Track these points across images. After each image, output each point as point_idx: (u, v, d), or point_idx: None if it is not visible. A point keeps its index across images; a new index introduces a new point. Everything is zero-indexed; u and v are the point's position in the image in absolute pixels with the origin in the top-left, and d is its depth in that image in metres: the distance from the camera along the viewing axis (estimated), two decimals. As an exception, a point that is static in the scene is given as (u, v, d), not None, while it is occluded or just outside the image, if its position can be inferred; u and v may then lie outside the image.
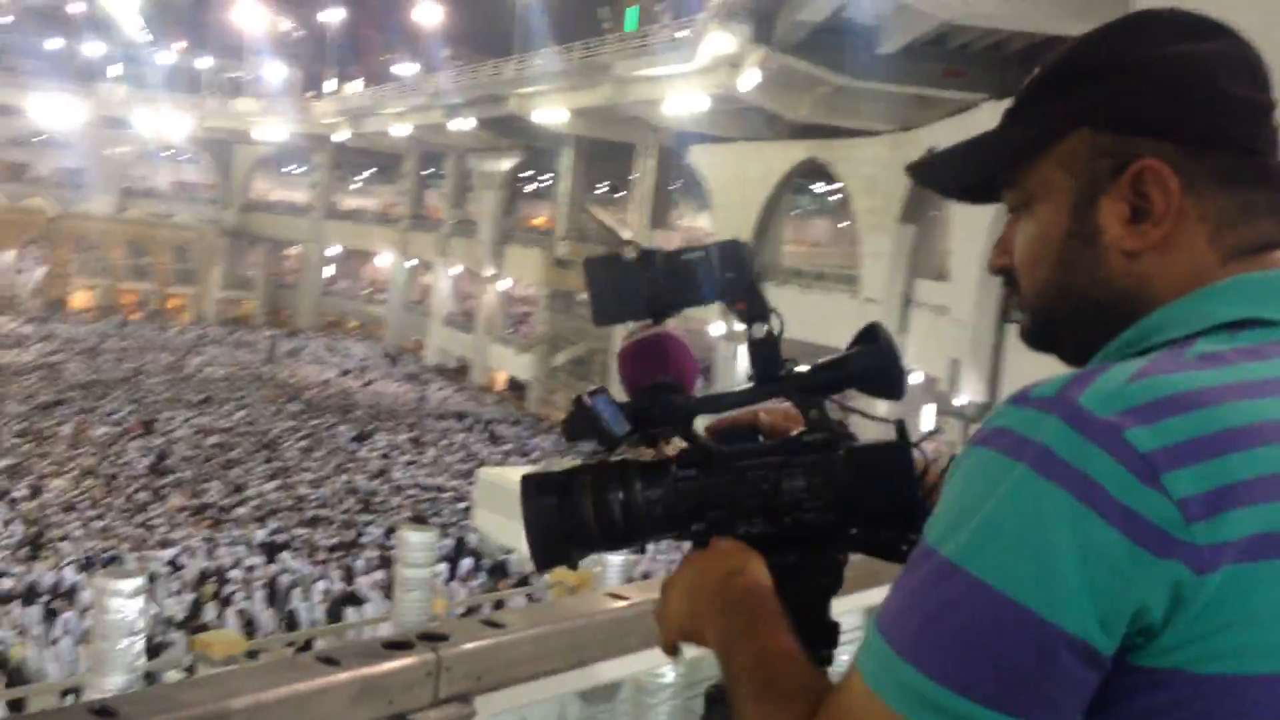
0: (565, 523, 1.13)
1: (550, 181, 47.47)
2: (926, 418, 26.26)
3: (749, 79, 25.86)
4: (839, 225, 50.96)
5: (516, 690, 2.45)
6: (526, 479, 1.15)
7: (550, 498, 1.14)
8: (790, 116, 27.95)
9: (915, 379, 25.34)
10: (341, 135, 53.29)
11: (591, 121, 37.47)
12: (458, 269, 48.60)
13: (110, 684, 9.43)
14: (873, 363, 1.16)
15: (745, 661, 1.01)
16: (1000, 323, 21.04)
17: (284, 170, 62.66)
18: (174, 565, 19.94)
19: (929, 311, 23.93)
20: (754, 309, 1.16)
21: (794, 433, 1.16)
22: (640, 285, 1.15)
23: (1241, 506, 0.80)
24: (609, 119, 36.43)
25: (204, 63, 59.14)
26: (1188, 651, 0.81)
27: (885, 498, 1.11)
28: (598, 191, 49.53)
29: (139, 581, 9.00)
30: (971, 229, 21.41)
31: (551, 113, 37.42)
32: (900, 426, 1.14)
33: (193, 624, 16.81)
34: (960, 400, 21.21)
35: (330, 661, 2.16)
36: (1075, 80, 1.00)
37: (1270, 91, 1.00)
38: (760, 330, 1.17)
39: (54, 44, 55.16)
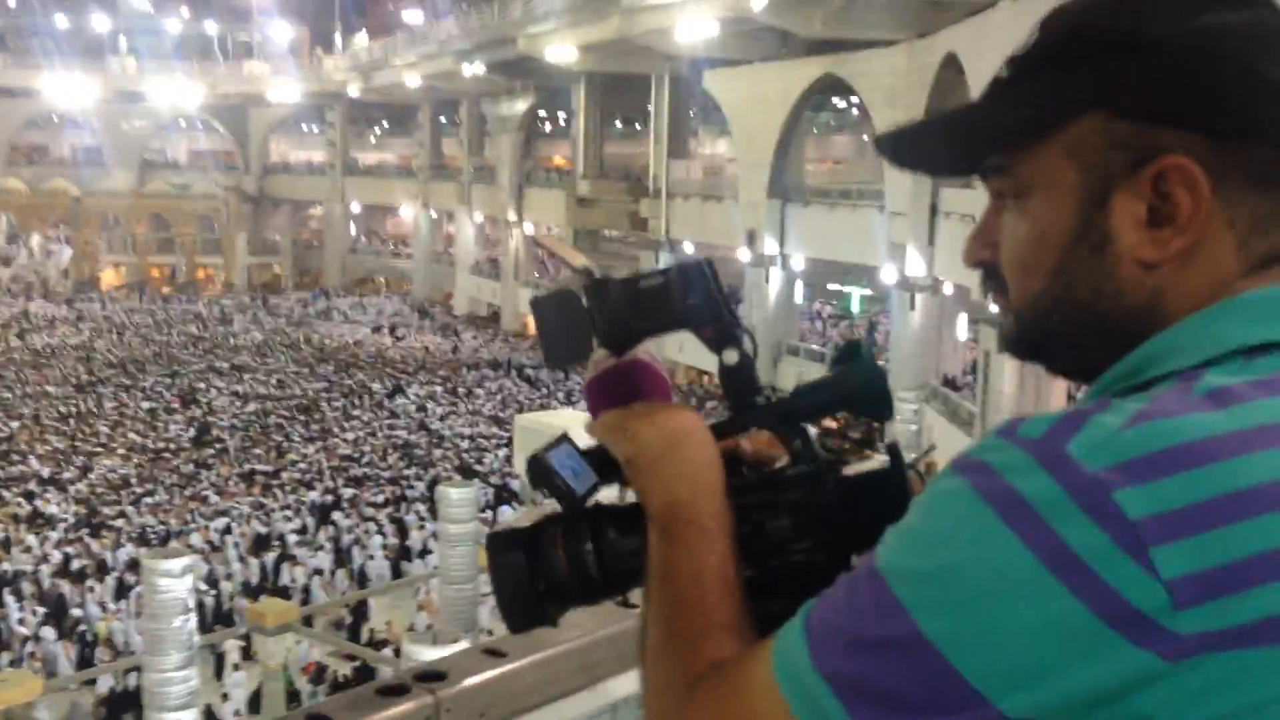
0: (538, 580, 1.04)
1: (566, 121, 47.00)
2: (960, 327, 25.97)
3: (758, -2, 25.31)
4: (862, 139, 50.25)
5: (525, 721, 2.30)
6: (493, 536, 1.06)
7: (518, 554, 1.05)
8: (803, 33, 27.39)
9: (946, 289, 25.07)
10: (354, 90, 52.97)
11: (603, 56, 36.92)
12: (480, 217, 48.44)
13: (167, 662, 9.57)
14: (858, 383, 1.06)
15: (681, 568, 0.93)
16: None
17: (301, 131, 62.46)
18: (227, 533, 20.25)
19: (957, 220, 23.51)
20: (721, 335, 1.06)
21: (777, 465, 1.07)
22: (592, 321, 1.06)
23: (1246, 589, 0.67)
24: (620, 52, 35.86)
25: (211, 28, 58.78)
26: None
27: (882, 531, 0.95)
28: (615, 126, 49.04)
29: (187, 560, 9.07)
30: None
31: (561, 50, 36.89)
32: (894, 449, 1.03)
33: (264, 588, 17.12)
34: (995, 308, 20.88)
35: (319, 719, 2.06)
36: (1088, 52, 0.82)
37: None
38: (731, 357, 1.06)
39: (61, 22, 54.94)
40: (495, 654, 2.31)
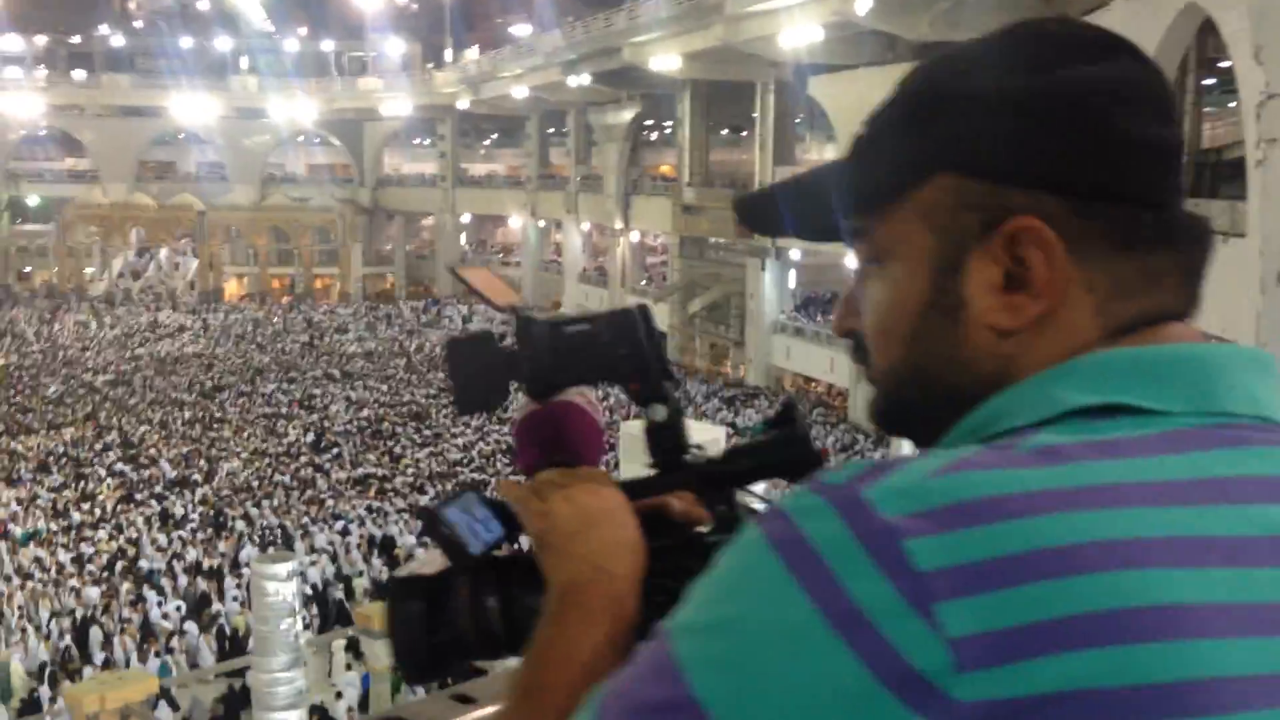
0: (438, 631, 0.99)
1: (672, 129, 47.18)
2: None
3: (864, 1, 25.11)
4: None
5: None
6: (395, 581, 1.01)
7: (418, 602, 0.99)
8: (910, 36, 27.09)
9: None
10: (464, 103, 53.96)
11: (707, 64, 37.01)
12: (587, 225, 48.88)
13: (275, 663, 9.87)
14: (785, 452, 1.00)
15: (552, 652, 0.89)
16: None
17: (413, 143, 63.82)
18: (345, 534, 20.85)
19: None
20: (648, 390, 1.02)
21: (700, 529, 1.01)
22: (510, 366, 1.02)
23: (1036, 656, 0.60)
24: (724, 59, 35.90)
25: (327, 46, 60.49)
26: None
27: None
28: (721, 134, 49.03)
29: (292, 565, 9.37)
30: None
31: (666, 59, 37.09)
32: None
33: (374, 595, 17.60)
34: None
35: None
36: (936, 110, 0.79)
37: (1177, 125, 0.80)
38: (658, 413, 1.01)
39: (185, 43, 57.15)
40: (463, 700, 2.14)
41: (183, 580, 18.81)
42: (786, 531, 0.66)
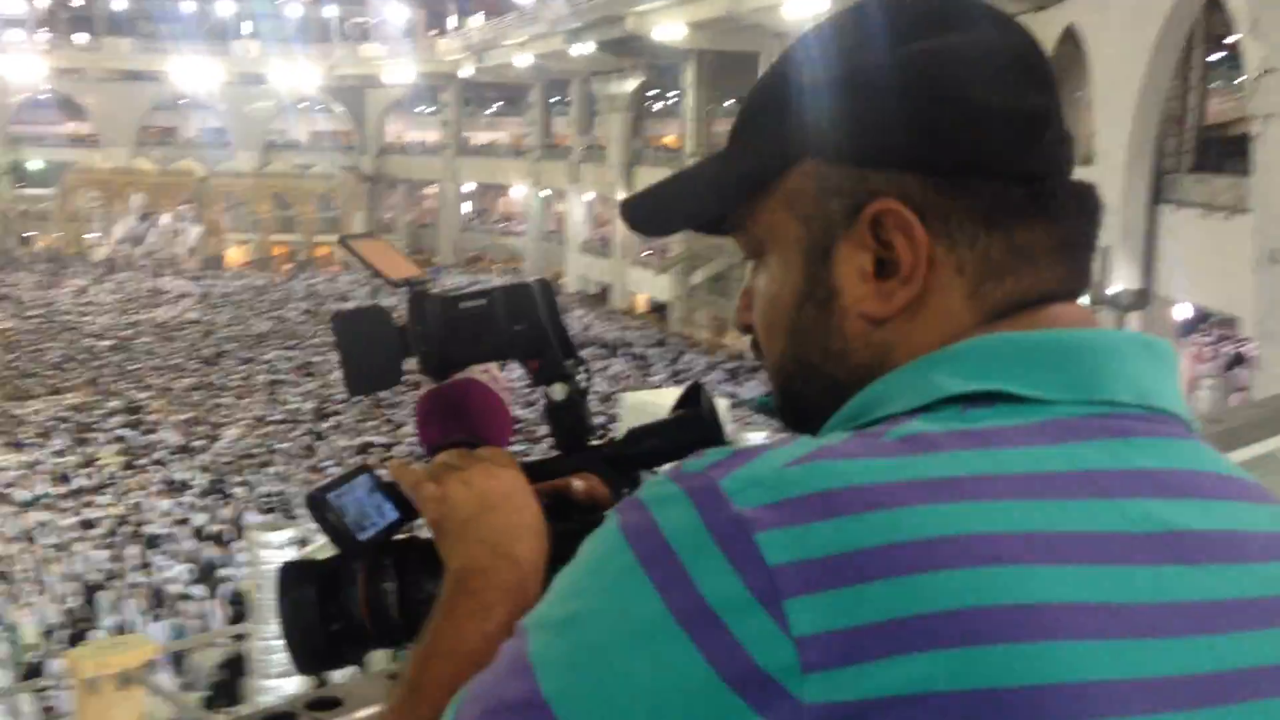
0: (331, 619, 0.94)
1: (676, 99, 46.96)
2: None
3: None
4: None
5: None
6: (286, 567, 0.97)
7: (309, 590, 0.95)
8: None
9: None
10: (467, 71, 53.66)
11: (712, 34, 36.80)
12: (590, 195, 48.75)
13: (269, 631, 9.94)
14: (692, 433, 0.97)
15: (441, 643, 0.85)
16: (1151, 206, 20.01)
17: (415, 111, 63.53)
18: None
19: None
20: (548, 368, 0.98)
21: (601, 516, 0.98)
22: (404, 343, 0.97)
23: (882, 657, 0.57)
24: (729, 29, 35.69)
25: (330, 11, 60.09)
26: None
27: None
28: (724, 105, 48.81)
29: (291, 533, 9.40)
30: (1116, 110, 20.33)
31: (670, 28, 36.87)
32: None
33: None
34: (1114, 289, 20.32)
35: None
36: (792, 95, 0.76)
37: (1047, 89, 0.75)
38: (558, 392, 0.98)
39: (186, 7, 56.81)
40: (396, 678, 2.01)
41: (189, 545, 18.92)
42: (641, 521, 0.64)
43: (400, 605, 0.95)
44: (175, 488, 22.36)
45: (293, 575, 0.96)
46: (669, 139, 51.08)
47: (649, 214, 0.85)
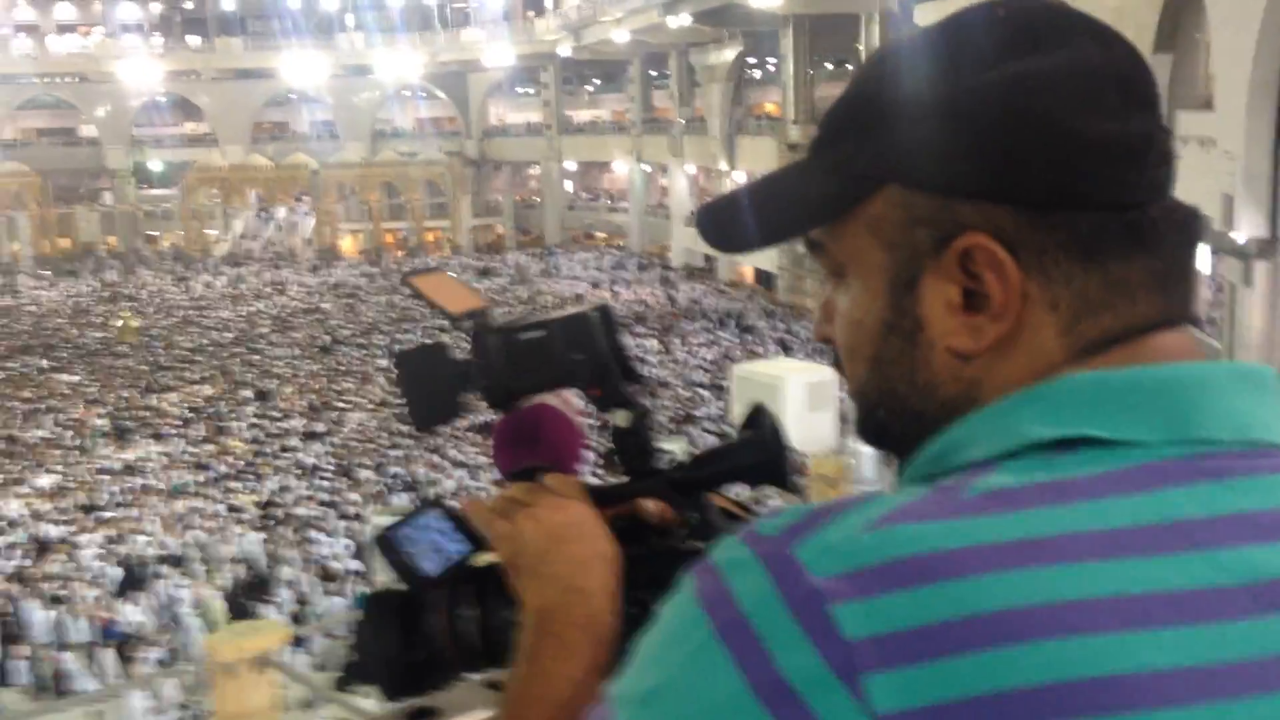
0: (414, 649, 0.97)
1: (775, 66, 46.50)
2: (1203, 259, 24.39)
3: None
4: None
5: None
6: (369, 598, 0.99)
7: (392, 620, 0.97)
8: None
9: None
10: (565, 49, 53.91)
11: (809, -3, 36.30)
12: (693, 168, 48.64)
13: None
14: (755, 455, 0.97)
15: (531, 690, 0.87)
16: (1275, 149, 19.19)
17: (517, 93, 64.08)
18: (469, 484, 21.45)
19: (1195, 145, 22.06)
20: (610, 395, 0.98)
21: (671, 541, 0.98)
22: (466, 376, 0.98)
23: None
24: (827, -9, 35.17)
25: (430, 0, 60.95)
26: None
27: None
28: (825, 69, 48.17)
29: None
30: (1237, 52, 19.52)
31: (767, -6, 36.48)
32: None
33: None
34: (1240, 238, 19.59)
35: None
36: (878, 117, 0.72)
37: (1150, 109, 0.71)
38: (622, 418, 0.98)
39: (293, 3, 58.15)
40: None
41: (339, 525, 19.60)
42: (716, 588, 0.63)
43: (482, 632, 0.96)
44: (307, 472, 23.13)
45: (375, 606, 0.98)
46: (770, 106, 50.62)
47: (726, 231, 0.82)
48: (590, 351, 0.98)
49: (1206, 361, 0.69)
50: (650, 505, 1.00)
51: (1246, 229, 19.50)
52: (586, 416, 1.10)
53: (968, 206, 0.69)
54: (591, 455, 1.06)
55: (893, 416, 0.75)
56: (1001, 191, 0.68)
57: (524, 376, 0.99)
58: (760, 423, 0.99)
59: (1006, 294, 0.68)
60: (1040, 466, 0.64)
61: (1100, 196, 0.68)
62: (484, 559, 0.98)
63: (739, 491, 1.09)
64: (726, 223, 0.81)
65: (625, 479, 1.00)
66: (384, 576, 0.99)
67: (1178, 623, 0.58)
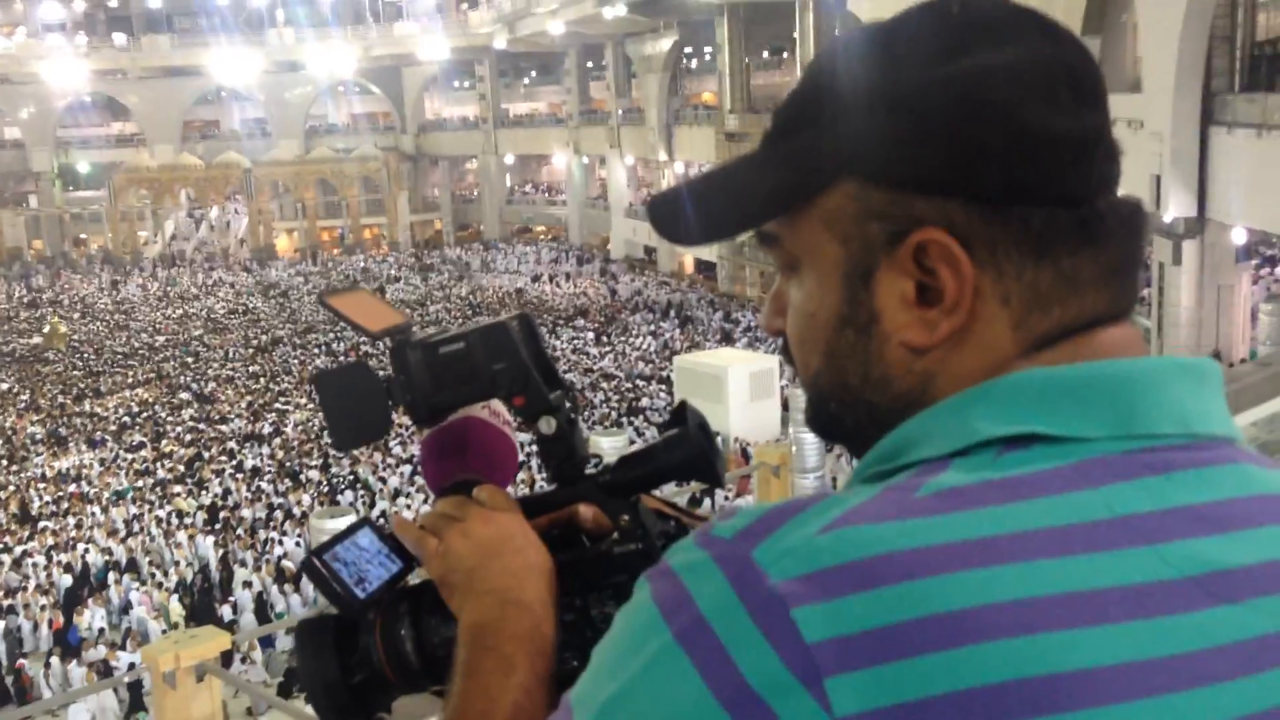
0: (353, 671, 0.96)
1: (712, 55, 46.61)
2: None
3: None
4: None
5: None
6: (302, 625, 0.98)
7: (328, 645, 0.96)
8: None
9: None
10: (500, 42, 53.60)
11: (743, -14, 36.41)
12: (631, 159, 48.62)
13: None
14: (682, 453, 0.97)
15: (472, 707, 0.87)
16: (1202, 129, 19.56)
17: (452, 87, 63.64)
18: (413, 481, 21.31)
19: (1123, 127, 22.42)
20: (533, 403, 0.98)
21: (603, 545, 0.97)
22: (389, 394, 0.97)
23: None
24: (761, -20, 35.29)
25: (360, -7, 60.27)
26: None
27: None
28: (762, 57, 48.37)
29: (352, 518, 9.58)
30: (1162, 32, 19.87)
31: (701, -16, 36.52)
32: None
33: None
34: (1168, 218, 19.96)
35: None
36: (832, 110, 0.72)
37: (1098, 104, 0.72)
38: (548, 425, 0.98)
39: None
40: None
41: (289, 526, 19.41)
42: (675, 592, 0.63)
43: (418, 651, 0.95)
44: (249, 474, 22.83)
45: (310, 631, 0.97)
46: (708, 96, 50.75)
47: (679, 223, 0.80)
48: (511, 360, 0.97)
49: (1151, 357, 0.70)
50: (585, 510, 0.99)
51: (1175, 209, 19.87)
52: (516, 425, 1.08)
53: (922, 201, 0.69)
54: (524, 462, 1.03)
55: (845, 409, 0.75)
56: (955, 186, 0.69)
57: (446, 390, 0.98)
58: (685, 419, 0.99)
59: (960, 289, 0.69)
60: (991, 464, 0.65)
61: (1052, 191, 0.69)
62: (418, 576, 0.98)
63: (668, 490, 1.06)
64: (679, 215, 0.80)
65: (554, 486, 1.00)
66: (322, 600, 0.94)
67: (1129, 618, 0.59)
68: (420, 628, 0.96)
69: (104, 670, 14.39)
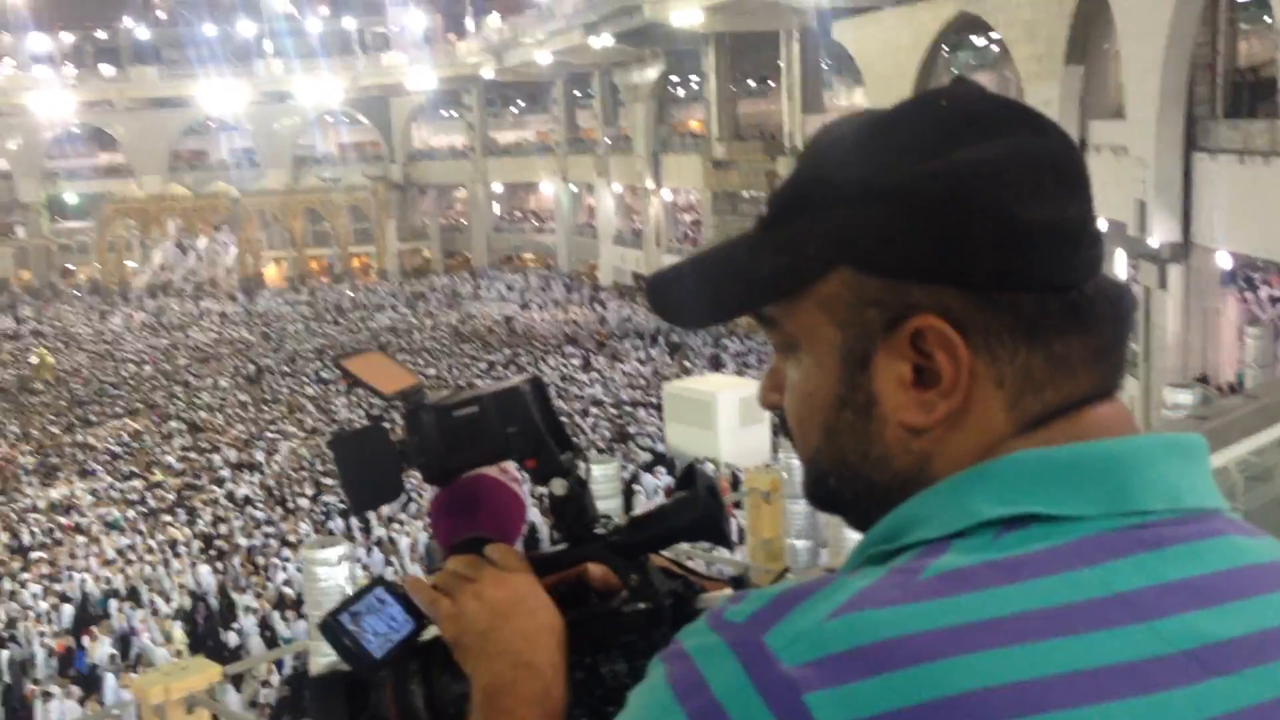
0: None
1: (699, 84, 46.86)
2: (1119, 264, 25.03)
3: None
4: (1005, 76, 48.58)
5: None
6: (316, 681, 1.00)
7: (339, 700, 0.98)
8: (934, -26, 26.66)
9: (1101, 225, 23.81)
10: (488, 72, 53.83)
11: (729, 15, 36.66)
12: (619, 187, 48.77)
13: (324, 648, 10.01)
14: (691, 515, 1.00)
15: None
16: (1186, 154, 19.72)
17: (441, 116, 63.84)
18: (406, 506, 21.22)
19: (1108, 153, 22.64)
20: (546, 465, 1.00)
21: (613, 604, 0.99)
22: (403, 455, 0.99)
23: None
24: (746, 9, 35.56)
25: (349, 23, 60.48)
26: None
27: None
28: (748, 85, 48.65)
29: (342, 549, 9.46)
30: (1146, 62, 20.07)
31: (687, 13, 36.77)
32: (740, 583, 1.04)
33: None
34: (1153, 242, 20.08)
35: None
36: (827, 200, 0.75)
37: (1082, 192, 0.75)
38: (559, 487, 1.00)
39: (209, 31, 57.38)
40: None
41: (286, 553, 19.29)
42: (688, 675, 0.65)
43: (429, 708, 0.97)
44: (240, 503, 22.72)
45: (322, 687, 0.99)
46: (694, 124, 50.99)
47: (677, 306, 0.83)
48: (524, 424, 0.99)
49: (1139, 435, 0.73)
50: (594, 569, 1.02)
51: (1160, 234, 20.01)
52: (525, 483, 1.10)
53: (918, 288, 0.72)
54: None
55: (844, 484, 0.78)
56: (949, 274, 0.71)
57: (460, 453, 1.00)
58: (694, 481, 1.01)
59: (957, 372, 0.72)
60: (991, 545, 0.67)
61: (1041, 278, 0.72)
62: (430, 633, 0.99)
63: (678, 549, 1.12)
64: (677, 298, 0.83)
65: (564, 545, 1.01)
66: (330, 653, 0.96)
67: (1127, 694, 0.61)
68: (432, 685, 0.97)
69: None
